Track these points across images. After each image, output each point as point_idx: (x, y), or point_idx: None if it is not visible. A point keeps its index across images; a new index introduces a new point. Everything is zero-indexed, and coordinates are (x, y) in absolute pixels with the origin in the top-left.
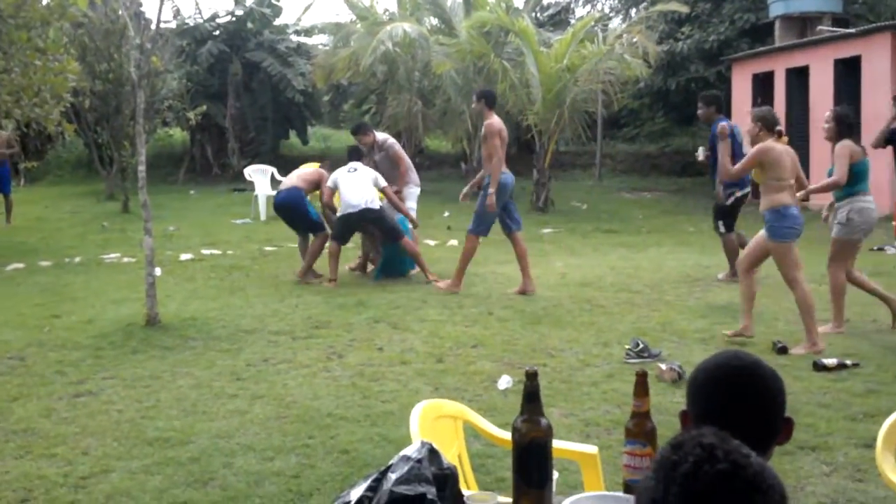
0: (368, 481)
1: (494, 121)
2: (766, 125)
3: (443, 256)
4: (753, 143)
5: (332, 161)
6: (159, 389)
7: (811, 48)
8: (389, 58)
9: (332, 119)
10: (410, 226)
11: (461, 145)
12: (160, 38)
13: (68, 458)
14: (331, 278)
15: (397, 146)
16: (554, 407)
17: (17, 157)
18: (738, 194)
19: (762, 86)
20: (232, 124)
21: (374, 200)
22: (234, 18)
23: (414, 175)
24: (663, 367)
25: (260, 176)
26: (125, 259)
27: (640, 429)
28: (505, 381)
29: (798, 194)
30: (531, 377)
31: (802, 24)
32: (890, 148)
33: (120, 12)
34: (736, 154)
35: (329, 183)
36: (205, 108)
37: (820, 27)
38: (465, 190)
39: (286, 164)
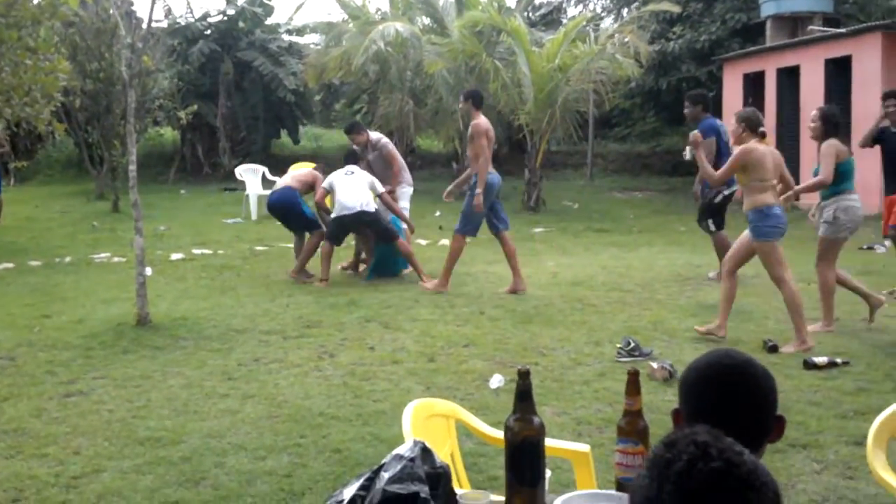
0: (361, 480)
1: (481, 121)
2: (750, 126)
3: (434, 256)
4: (737, 143)
5: (325, 163)
6: (150, 389)
7: (802, 48)
8: (381, 57)
9: (324, 118)
10: (404, 225)
11: (453, 145)
12: (151, 38)
13: (59, 458)
14: (322, 278)
15: (391, 146)
16: (546, 406)
17: (7, 157)
18: (726, 192)
19: (753, 85)
20: (223, 124)
21: (370, 203)
22: (225, 18)
23: (407, 175)
24: (655, 365)
25: (251, 175)
26: (115, 259)
27: (632, 427)
28: (497, 380)
29: (786, 194)
30: (523, 376)
31: (793, 23)
32: (878, 147)
33: (111, 11)
34: (722, 153)
35: (325, 184)
36: (196, 107)
37: (811, 27)
38: (449, 188)
39: (277, 164)
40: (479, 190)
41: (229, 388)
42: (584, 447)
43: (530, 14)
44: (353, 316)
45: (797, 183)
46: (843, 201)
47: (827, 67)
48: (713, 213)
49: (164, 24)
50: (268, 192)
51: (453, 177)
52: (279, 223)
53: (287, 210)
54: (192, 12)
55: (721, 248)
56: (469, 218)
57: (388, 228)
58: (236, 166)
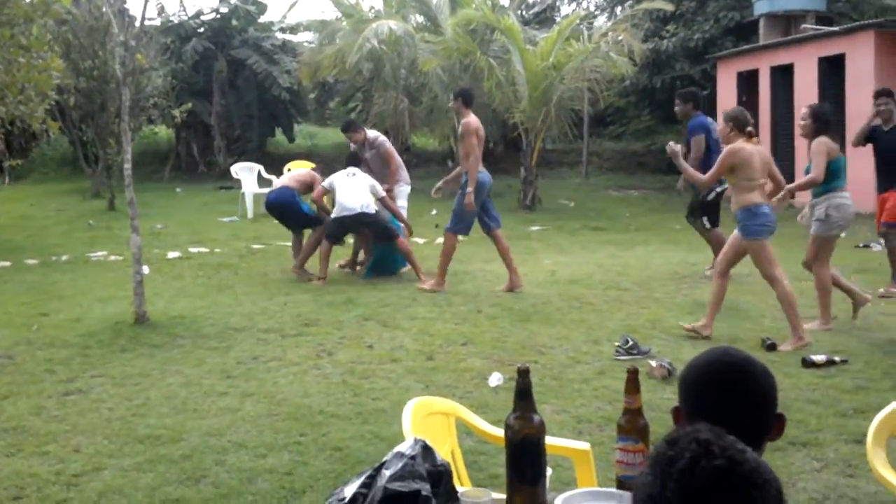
0: (363, 478)
1: (472, 119)
2: (738, 125)
3: (432, 254)
4: (725, 143)
5: (322, 162)
6: (149, 387)
7: (795, 46)
8: (375, 55)
9: (319, 117)
10: (402, 225)
11: (448, 143)
12: (144, 36)
13: (60, 456)
14: (320, 276)
15: (388, 144)
16: (545, 404)
17: (2, 155)
18: (718, 189)
19: (747, 84)
20: (217, 122)
21: (370, 205)
22: (218, 16)
23: (404, 173)
24: (653, 363)
25: (247, 174)
26: (112, 257)
27: (632, 425)
28: (495, 379)
29: (780, 194)
30: (523, 374)
31: (786, 22)
32: (871, 146)
33: (104, 9)
34: (712, 150)
35: (325, 183)
36: (190, 105)
37: (804, 25)
38: (438, 184)
39: (273, 162)
40: (469, 189)
41: (228, 386)
42: (585, 445)
43: (524, 12)
44: (351, 314)
45: (790, 181)
46: (835, 199)
47: (820, 66)
48: (707, 211)
49: (157, 21)
50: (264, 190)
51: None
52: (276, 222)
53: (285, 209)
54: (184, 10)
55: (717, 246)
56: (460, 216)
57: (388, 227)
58: (231, 164)
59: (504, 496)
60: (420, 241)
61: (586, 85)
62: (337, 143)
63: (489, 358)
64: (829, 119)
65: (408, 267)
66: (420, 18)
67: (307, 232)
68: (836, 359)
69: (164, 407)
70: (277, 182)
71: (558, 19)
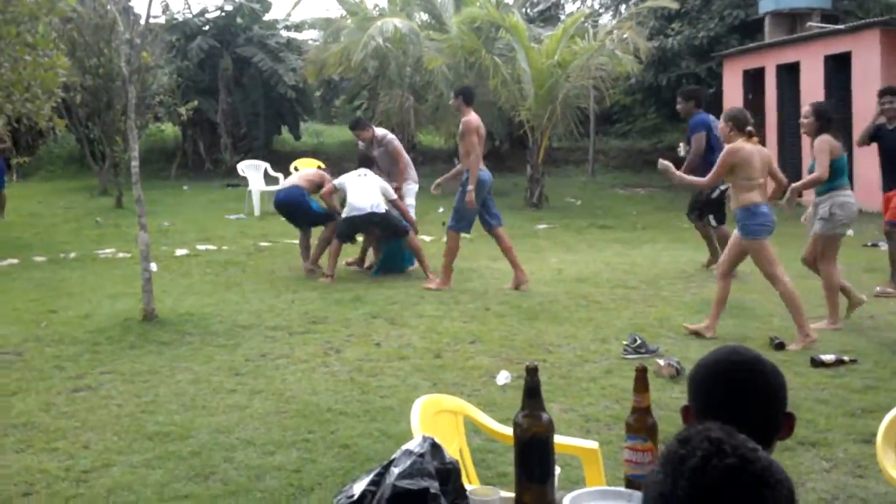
0: (371, 475)
1: (472, 118)
2: (737, 125)
3: (438, 252)
4: (725, 142)
5: (329, 160)
6: (158, 384)
7: (801, 44)
8: (380, 53)
9: (324, 114)
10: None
11: (454, 141)
12: (150, 34)
13: (69, 453)
14: (328, 274)
15: (396, 142)
16: (553, 402)
17: (9, 153)
18: (722, 187)
19: (753, 82)
20: (223, 120)
21: (380, 204)
22: (223, 14)
23: (412, 171)
24: (661, 362)
25: (253, 171)
26: (120, 254)
27: (640, 424)
28: (503, 377)
29: (787, 196)
30: (532, 372)
31: (792, 20)
32: (875, 144)
33: (109, 7)
34: (714, 147)
35: (336, 183)
36: (196, 103)
37: (809, 23)
38: (438, 180)
39: (279, 160)
40: (470, 187)
41: (237, 383)
42: (593, 444)
43: (528, 10)
44: (358, 312)
45: (797, 179)
46: (839, 197)
47: (826, 64)
48: (712, 209)
49: (162, 19)
50: (270, 187)
51: None
52: (284, 220)
53: (294, 208)
54: (189, 8)
55: (723, 243)
56: (462, 214)
57: (399, 225)
58: (238, 162)
59: (512, 495)
60: (427, 238)
61: (592, 83)
62: (343, 140)
63: (497, 356)
64: (831, 117)
65: (416, 265)
66: (425, 16)
67: (315, 231)
68: (846, 358)
69: (173, 404)
70: (287, 181)
71: (563, 17)
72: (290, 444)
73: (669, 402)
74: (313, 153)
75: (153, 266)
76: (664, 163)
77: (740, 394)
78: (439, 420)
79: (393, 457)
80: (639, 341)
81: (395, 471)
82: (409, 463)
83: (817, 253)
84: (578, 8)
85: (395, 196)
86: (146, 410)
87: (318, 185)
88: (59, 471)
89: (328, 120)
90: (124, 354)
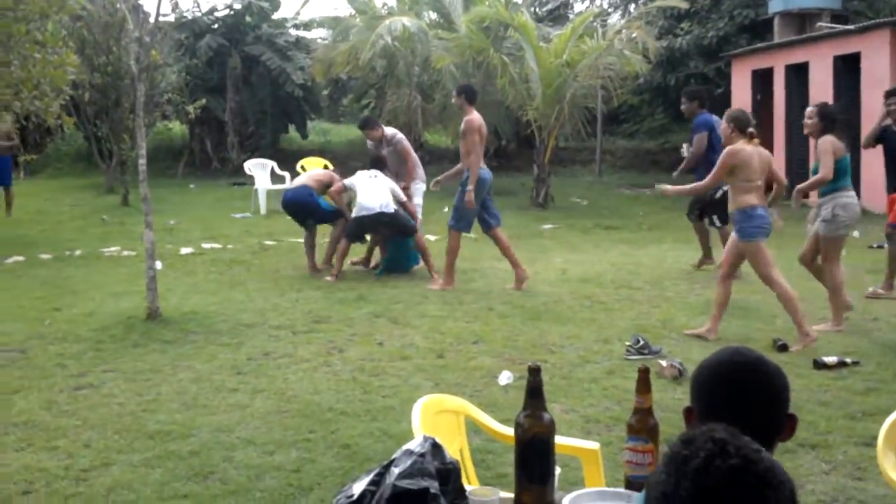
0: (371, 475)
1: (474, 117)
2: (739, 126)
3: (443, 251)
4: (726, 143)
5: (336, 160)
6: (160, 383)
7: (811, 45)
8: (389, 52)
9: (332, 113)
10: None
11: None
12: (159, 32)
13: (69, 451)
14: (333, 273)
15: (405, 141)
16: (554, 403)
17: (17, 150)
18: (725, 187)
19: (762, 82)
20: (231, 118)
21: (389, 204)
22: (232, 12)
23: (420, 171)
24: (664, 363)
25: (260, 170)
26: (125, 252)
27: (642, 425)
28: (505, 377)
29: (795, 197)
30: (534, 373)
31: (801, 20)
32: (881, 146)
33: (118, 5)
34: (716, 148)
35: (346, 182)
36: (204, 101)
37: (819, 24)
38: (438, 178)
39: (286, 159)
40: (469, 187)
41: (239, 382)
42: (594, 445)
43: (537, 9)
44: (361, 311)
45: (800, 181)
46: (841, 198)
47: (836, 64)
48: (716, 210)
49: (172, 18)
50: (277, 186)
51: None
52: (289, 218)
53: (302, 207)
54: (198, 6)
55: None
56: (462, 214)
57: (407, 223)
58: (245, 161)
59: (511, 495)
60: (432, 237)
61: (600, 82)
62: (350, 139)
63: (500, 356)
64: (835, 118)
65: (420, 264)
66: (433, 15)
67: (322, 231)
68: (848, 360)
69: (175, 403)
70: (295, 181)
71: (572, 16)
72: (291, 444)
73: (671, 403)
74: (320, 152)
75: (158, 264)
76: (660, 187)
77: (743, 395)
78: (440, 420)
79: (393, 456)
80: (642, 342)
81: (396, 470)
82: (409, 463)
83: (822, 254)
84: (587, 7)
85: (404, 198)
86: (147, 409)
87: (326, 185)
88: (58, 469)
89: (335, 119)
90: (127, 353)
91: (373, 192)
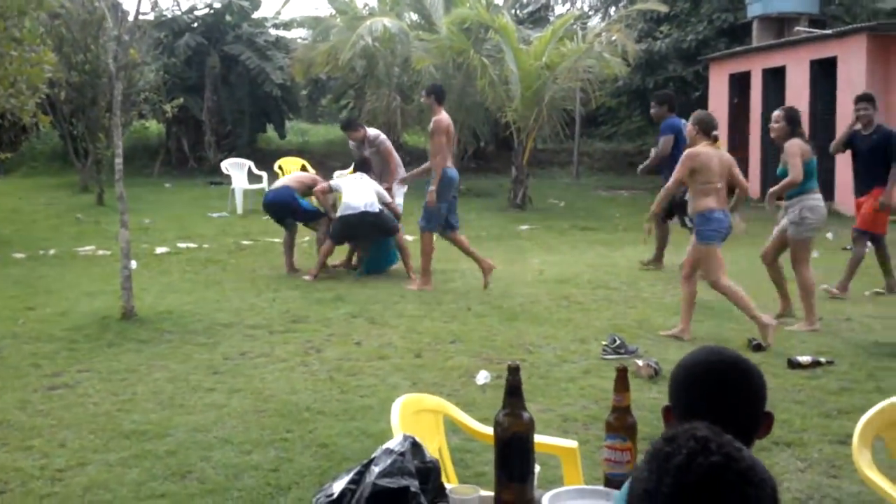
0: (351, 474)
1: (443, 117)
2: (703, 128)
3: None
4: (691, 145)
5: (314, 160)
6: (135, 382)
7: (788, 49)
8: (369, 53)
9: (310, 113)
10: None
11: None
12: (138, 30)
13: (45, 451)
14: (312, 273)
15: (388, 142)
16: (532, 402)
17: None
18: None
19: (739, 86)
20: (209, 117)
21: (374, 204)
22: (212, 11)
23: (402, 171)
24: (640, 363)
25: (237, 170)
26: (100, 252)
27: (620, 423)
28: (483, 377)
29: (771, 200)
30: (513, 371)
31: (780, 24)
32: (849, 151)
33: (97, 3)
34: (682, 150)
35: (332, 183)
36: (181, 100)
37: (797, 28)
38: (405, 175)
39: (263, 158)
40: (432, 187)
41: (215, 382)
42: (573, 443)
43: (518, 12)
44: (339, 311)
45: (773, 184)
46: (809, 201)
47: (812, 68)
48: (684, 211)
49: (151, 16)
50: (254, 186)
51: None
52: (267, 218)
53: (282, 207)
54: (178, 5)
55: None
56: (431, 214)
57: (390, 223)
58: (222, 160)
59: (491, 493)
60: (409, 238)
61: (579, 85)
62: (329, 139)
63: (477, 356)
64: (800, 121)
65: (398, 263)
66: (414, 16)
67: (304, 232)
68: (822, 360)
69: (151, 402)
70: (277, 182)
71: (552, 19)
72: (268, 443)
73: (647, 402)
74: (298, 152)
75: (133, 264)
76: (646, 227)
77: (721, 394)
78: (419, 419)
79: (373, 455)
80: (618, 342)
81: (376, 469)
82: (389, 461)
83: (791, 256)
84: (568, 10)
85: (389, 199)
86: (123, 409)
87: (309, 187)
88: (33, 469)
89: (314, 119)
90: (102, 352)
91: (358, 191)
